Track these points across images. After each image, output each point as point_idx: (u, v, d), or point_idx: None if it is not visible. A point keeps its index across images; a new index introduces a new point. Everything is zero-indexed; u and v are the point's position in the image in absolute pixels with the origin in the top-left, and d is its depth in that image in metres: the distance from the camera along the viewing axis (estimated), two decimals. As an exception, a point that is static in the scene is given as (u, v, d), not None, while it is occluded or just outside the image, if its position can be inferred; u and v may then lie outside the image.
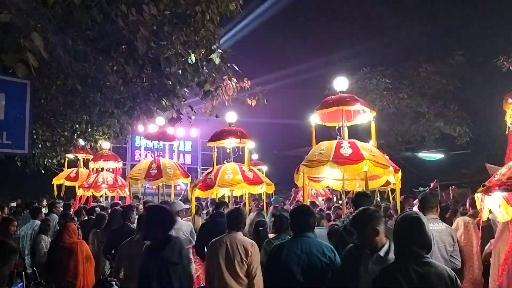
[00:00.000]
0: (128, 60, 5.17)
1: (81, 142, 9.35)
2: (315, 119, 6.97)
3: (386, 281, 2.79)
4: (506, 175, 3.11)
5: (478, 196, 3.45)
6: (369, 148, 6.42)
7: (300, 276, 3.61)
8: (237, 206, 5.48)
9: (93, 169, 12.20)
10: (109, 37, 4.88)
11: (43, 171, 10.04)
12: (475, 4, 19.42)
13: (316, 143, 6.83)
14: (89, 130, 8.26)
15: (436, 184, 7.85)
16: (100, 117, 7.16)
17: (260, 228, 6.07)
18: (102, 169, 11.99)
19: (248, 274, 4.49)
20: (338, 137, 6.73)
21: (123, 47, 5.05)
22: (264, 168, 15.97)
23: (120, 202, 11.05)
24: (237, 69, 7.89)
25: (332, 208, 9.16)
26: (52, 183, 12.80)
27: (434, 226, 4.57)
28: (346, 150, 6.17)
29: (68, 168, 12.87)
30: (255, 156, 16.90)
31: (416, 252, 2.74)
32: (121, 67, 5.28)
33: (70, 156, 11.88)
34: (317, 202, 11.68)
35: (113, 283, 5.56)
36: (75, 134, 8.47)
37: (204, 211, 9.56)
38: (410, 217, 2.89)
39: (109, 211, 8.29)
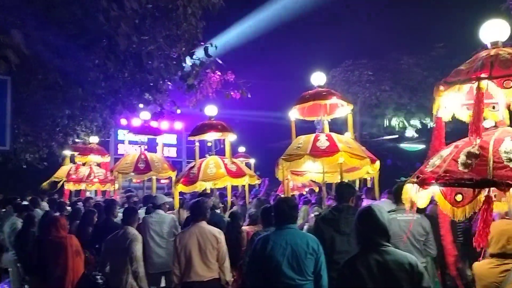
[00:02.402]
0: (109, 55, 5.16)
1: (61, 137, 9.27)
2: (294, 114, 7.06)
3: (347, 272, 2.89)
4: (442, 167, 3.07)
5: (410, 186, 3.34)
6: (345, 140, 6.53)
7: (286, 267, 3.68)
8: (198, 198, 5.58)
9: (82, 163, 12.09)
10: (90, 33, 4.86)
11: (24, 166, 9.95)
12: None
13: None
14: (71, 124, 8.21)
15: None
16: (82, 111, 7.15)
17: (230, 220, 6.24)
18: (85, 163, 11.90)
19: (218, 260, 4.84)
20: (317, 130, 6.83)
21: (104, 42, 5.03)
22: (252, 161, 16.03)
23: (92, 197, 11.01)
24: (221, 62, 7.91)
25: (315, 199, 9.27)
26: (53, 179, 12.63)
27: (403, 216, 4.70)
28: (323, 143, 6.28)
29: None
30: (242, 149, 16.93)
31: (376, 241, 2.84)
32: (102, 62, 5.27)
33: (67, 152, 11.71)
34: (304, 193, 11.81)
35: (98, 277, 5.60)
36: (57, 129, 8.41)
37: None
38: (364, 209, 3.00)
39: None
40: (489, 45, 3.49)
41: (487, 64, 3.23)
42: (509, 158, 2.91)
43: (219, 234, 4.95)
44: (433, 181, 3.04)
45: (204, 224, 4.99)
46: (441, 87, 3.44)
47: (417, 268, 2.76)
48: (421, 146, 22.01)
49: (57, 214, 7.48)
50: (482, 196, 2.91)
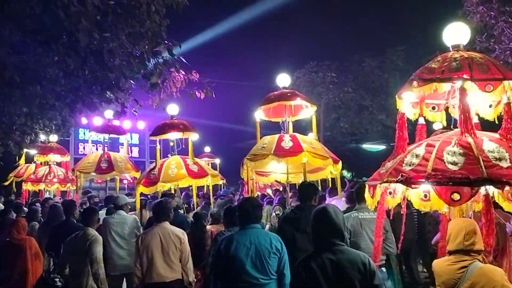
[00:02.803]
0: (69, 51, 5.02)
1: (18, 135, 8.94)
2: (259, 114, 7.11)
3: (302, 271, 2.93)
4: (426, 165, 3.13)
5: (383, 185, 3.41)
6: (309, 140, 6.65)
7: (250, 266, 3.69)
8: (161, 199, 5.54)
9: (41, 162, 11.71)
10: (49, 28, 4.72)
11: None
12: (416, 1, 20.30)
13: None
14: (29, 123, 7.92)
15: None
16: (40, 109, 6.91)
17: (194, 220, 6.23)
18: (46, 162, 11.54)
19: (181, 260, 4.82)
20: (282, 131, 6.92)
21: (64, 38, 4.90)
22: (217, 161, 15.98)
23: (51, 198, 10.70)
24: (185, 61, 7.83)
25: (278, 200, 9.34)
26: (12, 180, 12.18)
27: (364, 215, 4.85)
28: (287, 143, 6.38)
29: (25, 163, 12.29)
30: (207, 149, 16.86)
31: (330, 241, 2.90)
32: (62, 59, 5.12)
33: (30, 151, 11.29)
34: (266, 193, 11.87)
35: (57, 280, 5.44)
36: (14, 127, 8.10)
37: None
38: (319, 210, 3.05)
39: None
40: (451, 48, 3.61)
41: (466, 66, 3.33)
42: (495, 157, 3.03)
43: (183, 234, 4.92)
44: (423, 180, 3.07)
45: (167, 224, 4.95)
46: (415, 83, 3.48)
47: (369, 266, 2.83)
48: (382, 147, 22.60)
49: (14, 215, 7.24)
50: (480, 195, 3.01)
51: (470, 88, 3.29)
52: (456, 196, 2.99)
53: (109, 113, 9.25)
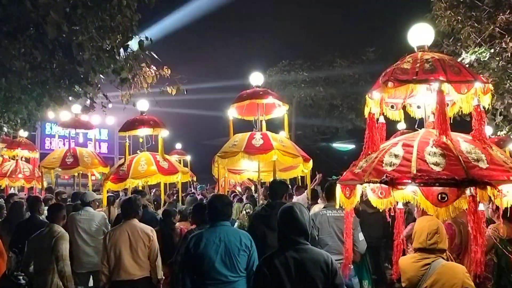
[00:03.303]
0: (36, 44, 4.88)
1: None
2: (232, 112, 7.13)
3: (265, 267, 2.98)
4: (409, 166, 3.16)
5: (363, 186, 3.45)
6: (280, 139, 6.72)
7: (219, 264, 3.69)
8: (130, 196, 5.50)
9: (8, 157, 11.35)
10: (15, 19, 4.57)
11: None
12: (386, 2, 20.68)
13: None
14: (-7, 116, 7.66)
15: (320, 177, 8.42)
16: (5, 102, 6.68)
17: (163, 217, 6.20)
18: (14, 157, 11.20)
19: (150, 258, 4.81)
20: (254, 129, 6.96)
21: (31, 30, 4.76)
22: (188, 158, 15.88)
23: (16, 193, 10.41)
24: (156, 57, 7.74)
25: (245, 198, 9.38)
26: None
27: (332, 213, 4.93)
28: (258, 141, 6.44)
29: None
30: (178, 146, 16.73)
31: (294, 240, 2.96)
32: (29, 51, 4.97)
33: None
34: (236, 191, 11.90)
35: (21, 277, 5.31)
36: (-23, 120, 7.83)
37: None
38: (284, 208, 3.09)
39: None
40: (416, 49, 3.69)
41: (439, 68, 3.38)
42: (473, 158, 3.11)
43: (151, 232, 4.90)
44: (409, 181, 3.09)
45: (135, 222, 4.92)
46: (390, 84, 3.49)
47: (331, 266, 2.90)
48: (352, 146, 22.98)
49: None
50: (466, 195, 3.03)
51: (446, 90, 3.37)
52: (443, 197, 3.05)
53: (76, 108, 9.07)
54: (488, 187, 2.94)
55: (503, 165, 3.07)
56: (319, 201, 7.19)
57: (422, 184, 3.06)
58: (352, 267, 4.91)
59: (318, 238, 4.84)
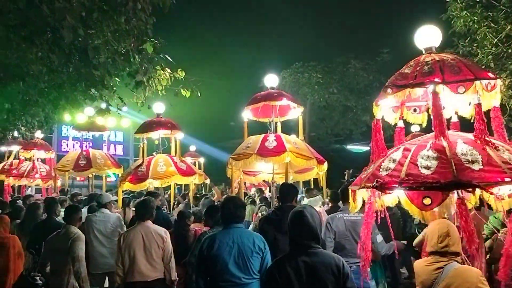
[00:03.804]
0: (53, 48, 4.96)
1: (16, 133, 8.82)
2: (247, 114, 7.14)
3: (276, 271, 2.97)
4: (400, 170, 3.10)
5: (362, 190, 3.40)
6: (294, 141, 6.70)
7: (232, 266, 3.69)
8: (144, 198, 5.54)
9: (25, 158, 11.55)
10: (33, 24, 4.65)
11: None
12: (401, 3, 20.52)
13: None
14: (11, 119, 7.81)
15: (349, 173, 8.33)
16: (23, 105, 6.82)
17: (178, 218, 6.24)
18: (30, 158, 11.39)
19: (163, 259, 4.83)
20: (268, 131, 6.96)
21: (48, 34, 4.84)
22: (202, 160, 15.95)
23: (32, 195, 10.58)
24: (170, 59, 7.80)
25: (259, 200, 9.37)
26: None
27: (349, 216, 4.88)
28: (271, 143, 6.44)
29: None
30: (193, 148, 16.82)
31: (305, 244, 2.94)
32: (46, 55, 5.06)
33: (3, 148, 11.10)
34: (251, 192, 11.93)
35: (37, 278, 5.39)
36: (-5, 123, 7.99)
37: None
38: (295, 212, 3.08)
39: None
40: (423, 51, 3.65)
41: (437, 69, 3.33)
42: (467, 160, 3.01)
43: (165, 233, 4.93)
44: (396, 185, 3.05)
45: (149, 223, 4.96)
46: (389, 90, 3.48)
47: (343, 269, 2.88)
48: (366, 148, 22.80)
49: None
50: (452, 198, 3.00)
51: (442, 91, 3.30)
52: (427, 201, 3.01)
53: (90, 111, 9.20)
54: (478, 189, 2.88)
55: (500, 166, 2.96)
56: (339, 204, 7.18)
57: (407, 188, 3.04)
58: (368, 270, 4.88)
59: (335, 242, 4.81)
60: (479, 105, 3.29)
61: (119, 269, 4.76)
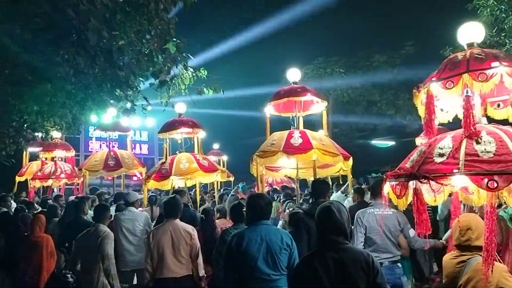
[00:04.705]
0: (79, 50, 5.05)
1: (29, 133, 9.00)
2: (269, 110, 7.11)
3: (304, 268, 2.96)
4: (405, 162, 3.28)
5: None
6: (319, 137, 6.64)
7: (261, 263, 3.71)
8: (172, 196, 5.60)
9: (46, 158, 11.82)
10: (58, 27, 4.74)
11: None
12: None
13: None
14: (39, 120, 7.99)
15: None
16: (50, 107, 6.97)
17: (202, 215, 6.28)
18: (53, 158, 11.64)
19: (191, 256, 4.91)
20: (292, 127, 6.92)
21: (73, 36, 4.93)
22: (224, 158, 16.03)
23: (62, 195, 10.80)
24: (193, 58, 7.86)
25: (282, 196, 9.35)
26: (16, 181, 12.28)
27: (380, 211, 4.85)
28: (296, 140, 6.38)
29: (28, 161, 12.31)
30: (216, 146, 16.92)
31: (333, 240, 2.90)
32: (72, 57, 5.15)
33: (32, 149, 11.37)
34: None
35: (69, 275, 5.52)
36: (25, 125, 8.18)
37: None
38: (322, 208, 3.04)
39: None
40: (465, 46, 3.57)
41: (441, 68, 3.39)
42: (439, 153, 3.09)
43: (193, 230, 5.00)
44: (390, 177, 3.29)
45: (177, 221, 5.03)
46: (417, 92, 3.59)
47: (372, 264, 2.84)
48: (391, 143, 22.51)
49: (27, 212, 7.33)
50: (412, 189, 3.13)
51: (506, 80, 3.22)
52: (398, 190, 3.20)
53: (113, 111, 9.34)
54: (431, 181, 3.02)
55: (458, 159, 2.99)
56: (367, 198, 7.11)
57: (392, 180, 3.30)
58: (400, 265, 4.84)
59: (366, 236, 4.79)
60: (467, 98, 3.19)
61: (148, 265, 4.84)
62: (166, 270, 4.77)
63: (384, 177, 3.39)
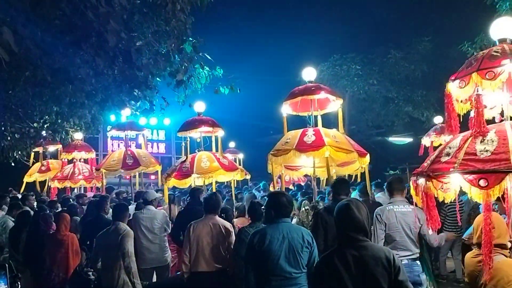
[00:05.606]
0: (98, 51, 5.13)
1: (49, 134, 9.17)
2: (286, 109, 7.12)
3: (324, 266, 2.95)
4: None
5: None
6: (333, 134, 6.61)
7: (283, 261, 3.72)
8: (214, 192, 5.70)
9: (67, 160, 12.02)
10: (78, 29, 4.83)
11: (13, 164, 9.85)
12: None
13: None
14: (59, 121, 8.15)
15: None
16: (70, 108, 7.10)
17: (222, 214, 6.32)
18: (72, 160, 11.83)
19: (228, 251, 5.02)
20: (308, 125, 6.92)
21: (93, 38, 5.01)
22: (241, 156, 16.06)
23: (86, 194, 10.97)
24: (209, 58, 7.92)
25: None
26: (24, 180, 12.54)
27: (399, 208, 4.83)
28: (310, 138, 6.39)
29: (33, 162, 12.51)
30: (232, 144, 16.96)
31: (353, 237, 2.87)
32: (91, 59, 5.24)
33: (38, 149, 11.58)
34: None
35: (90, 273, 5.62)
36: (45, 126, 8.35)
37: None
38: (341, 205, 3.02)
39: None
40: (497, 42, 3.53)
41: (463, 67, 3.38)
42: (447, 153, 3.15)
43: (230, 227, 5.18)
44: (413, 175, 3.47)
45: (217, 217, 5.22)
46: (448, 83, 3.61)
47: (394, 262, 2.80)
48: (409, 140, 22.25)
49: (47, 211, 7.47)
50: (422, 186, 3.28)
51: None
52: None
53: (126, 112, 9.44)
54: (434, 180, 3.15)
55: (456, 157, 3.06)
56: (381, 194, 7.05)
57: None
58: (419, 263, 4.81)
59: (386, 234, 4.77)
60: (478, 96, 3.19)
61: (186, 258, 4.98)
62: (203, 264, 4.91)
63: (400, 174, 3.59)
